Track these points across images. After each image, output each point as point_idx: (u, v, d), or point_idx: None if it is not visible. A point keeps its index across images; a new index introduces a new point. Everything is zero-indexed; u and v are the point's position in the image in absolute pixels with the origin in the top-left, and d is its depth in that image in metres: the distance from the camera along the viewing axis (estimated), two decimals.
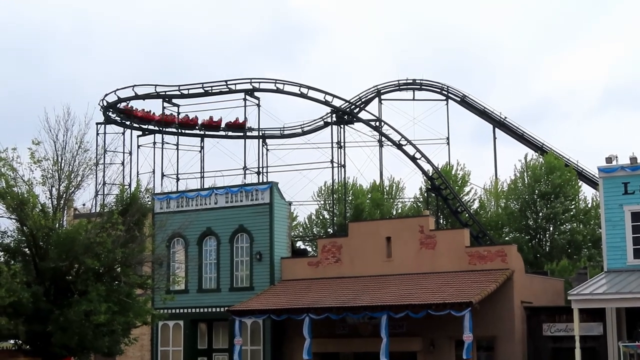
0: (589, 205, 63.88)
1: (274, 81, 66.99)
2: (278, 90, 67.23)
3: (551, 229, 62.69)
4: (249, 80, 67.87)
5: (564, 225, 62.71)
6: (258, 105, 68.61)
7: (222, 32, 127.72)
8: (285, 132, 70.25)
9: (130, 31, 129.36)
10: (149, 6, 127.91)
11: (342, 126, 67.26)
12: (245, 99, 67.95)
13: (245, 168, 68.00)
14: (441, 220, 63.32)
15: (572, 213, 62.60)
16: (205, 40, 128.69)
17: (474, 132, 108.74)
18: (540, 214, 62.00)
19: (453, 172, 67.82)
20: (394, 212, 68.35)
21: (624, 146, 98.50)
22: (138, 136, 72.01)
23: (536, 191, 62.13)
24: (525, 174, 63.58)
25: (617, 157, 38.28)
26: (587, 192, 65.90)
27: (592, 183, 64.05)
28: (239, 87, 67.97)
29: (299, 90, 66.45)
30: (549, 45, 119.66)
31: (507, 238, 61.65)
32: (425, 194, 64.99)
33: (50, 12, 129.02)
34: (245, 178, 66.11)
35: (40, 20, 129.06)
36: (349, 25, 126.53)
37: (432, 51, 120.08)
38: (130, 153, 71.70)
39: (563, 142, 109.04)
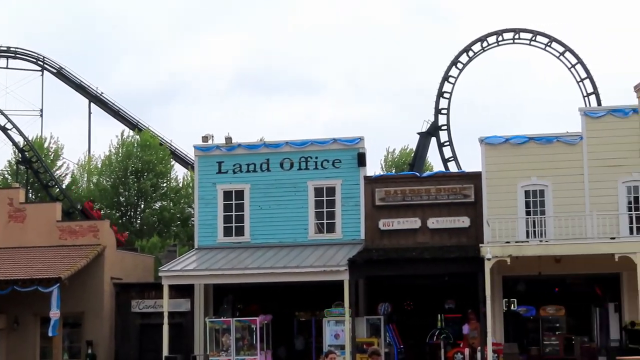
0: (180, 185, 65.33)
1: None
2: None
3: (142, 206, 63.25)
4: None
5: (155, 203, 63.62)
6: None
7: None
8: None
9: None
10: None
11: None
12: None
13: None
14: (31, 195, 61.22)
15: (163, 191, 63.61)
16: None
17: (70, 105, 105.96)
18: (132, 191, 62.28)
19: (46, 145, 65.98)
20: None
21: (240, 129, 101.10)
22: None
23: (129, 168, 62.28)
24: (120, 151, 63.52)
25: (213, 136, 39.14)
26: (179, 172, 67.43)
27: (185, 163, 65.52)
28: None
29: None
30: (181, 27, 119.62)
31: None
32: (15, 167, 62.47)
33: None
34: None
35: None
36: None
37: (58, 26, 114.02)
38: None
39: (180, 124, 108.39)
